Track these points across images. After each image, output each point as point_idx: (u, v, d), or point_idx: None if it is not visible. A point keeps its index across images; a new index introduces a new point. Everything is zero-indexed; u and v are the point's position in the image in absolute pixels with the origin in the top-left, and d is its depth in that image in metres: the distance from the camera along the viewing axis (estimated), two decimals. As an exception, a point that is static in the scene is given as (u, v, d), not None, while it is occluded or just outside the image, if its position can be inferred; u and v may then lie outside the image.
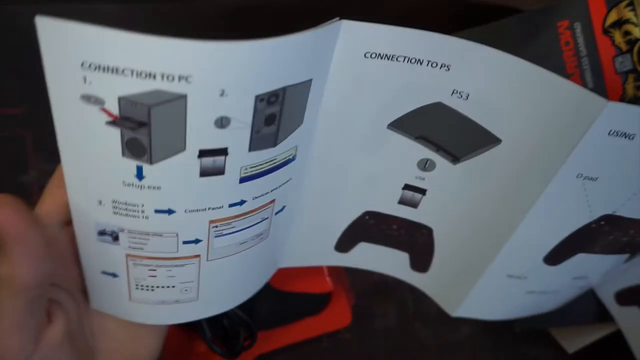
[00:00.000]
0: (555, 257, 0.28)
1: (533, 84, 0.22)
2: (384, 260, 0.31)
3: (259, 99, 0.19)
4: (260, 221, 0.25)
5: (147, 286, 0.25)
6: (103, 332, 0.26)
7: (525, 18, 0.32)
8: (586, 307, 0.35)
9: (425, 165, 0.26)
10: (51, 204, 0.23)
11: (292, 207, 0.27)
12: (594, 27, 0.31)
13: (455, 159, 0.26)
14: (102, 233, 0.22)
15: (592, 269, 0.30)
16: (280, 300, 0.36)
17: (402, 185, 0.27)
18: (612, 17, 0.30)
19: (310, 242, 0.30)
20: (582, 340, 0.37)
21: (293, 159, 0.24)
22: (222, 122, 0.19)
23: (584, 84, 0.31)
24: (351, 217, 0.29)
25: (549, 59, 0.31)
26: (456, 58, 0.22)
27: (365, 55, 0.22)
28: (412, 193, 0.28)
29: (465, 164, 0.26)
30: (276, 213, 0.26)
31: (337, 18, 0.21)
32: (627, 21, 0.30)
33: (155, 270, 0.24)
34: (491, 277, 0.29)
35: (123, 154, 0.19)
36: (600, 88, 0.31)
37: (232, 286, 0.27)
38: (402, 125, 0.25)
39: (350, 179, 0.27)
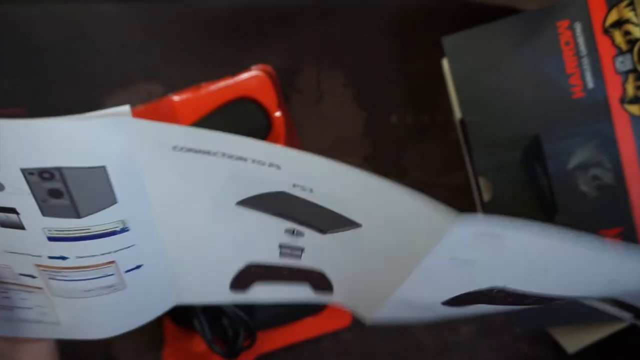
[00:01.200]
0: (452, 303, 0.27)
1: (373, 194, 0.21)
2: (286, 292, 0.30)
3: (26, 172, 0.20)
4: (104, 276, 0.25)
5: (5, 305, 0.25)
6: None
7: (525, 18, 0.31)
8: (586, 307, 0.35)
9: (294, 232, 0.25)
10: None
11: (156, 264, 0.26)
12: (594, 27, 0.31)
13: (321, 232, 0.25)
14: None
15: (503, 309, 0.29)
16: (280, 300, 0.36)
17: (277, 245, 0.26)
18: (612, 17, 0.30)
19: (202, 284, 0.29)
20: (582, 340, 0.37)
21: (124, 230, 0.23)
22: None
23: (584, 84, 0.31)
24: (235, 268, 0.28)
25: (549, 59, 0.31)
26: (282, 161, 0.21)
27: (174, 148, 0.21)
28: (290, 250, 0.26)
29: (333, 235, 0.25)
30: (128, 271, 0.25)
31: (128, 109, 0.20)
32: (627, 21, 0.30)
33: (6, 292, 0.25)
34: (393, 304, 0.28)
35: None
36: (600, 88, 0.31)
37: (101, 320, 0.27)
38: (252, 204, 0.23)
39: (216, 241, 0.26)
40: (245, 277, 0.29)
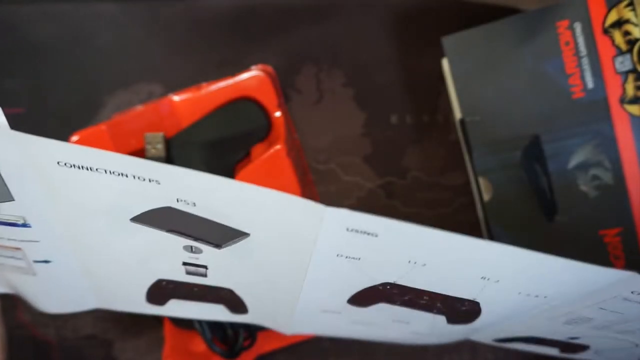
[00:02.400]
0: (356, 302, 0.27)
1: (249, 199, 0.21)
2: (202, 311, 0.31)
3: None
4: (13, 257, 0.26)
5: None
6: None
7: (525, 18, 0.32)
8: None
9: (192, 249, 0.25)
10: None
11: (67, 265, 0.27)
12: (593, 27, 0.31)
13: (216, 246, 0.25)
14: None
15: (410, 318, 0.29)
16: (280, 300, 0.36)
17: (181, 263, 0.27)
18: (612, 17, 0.30)
19: (120, 294, 0.29)
20: (582, 340, 0.37)
21: (26, 226, 0.24)
22: None
23: (583, 84, 0.31)
24: (146, 283, 0.28)
25: (548, 59, 0.31)
26: (160, 176, 0.21)
27: (58, 163, 0.21)
28: (195, 268, 0.27)
29: (229, 248, 0.25)
30: (37, 261, 0.26)
31: None
32: (627, 21, 0.30)
33: None
34: (304, 314, 0.28)
35: None
36: (600, 88, 0.31)
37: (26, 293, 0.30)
38: (145, 220, 0.24)
39: (123, 257, 0.27)
40: (157, 292, 0.29)
